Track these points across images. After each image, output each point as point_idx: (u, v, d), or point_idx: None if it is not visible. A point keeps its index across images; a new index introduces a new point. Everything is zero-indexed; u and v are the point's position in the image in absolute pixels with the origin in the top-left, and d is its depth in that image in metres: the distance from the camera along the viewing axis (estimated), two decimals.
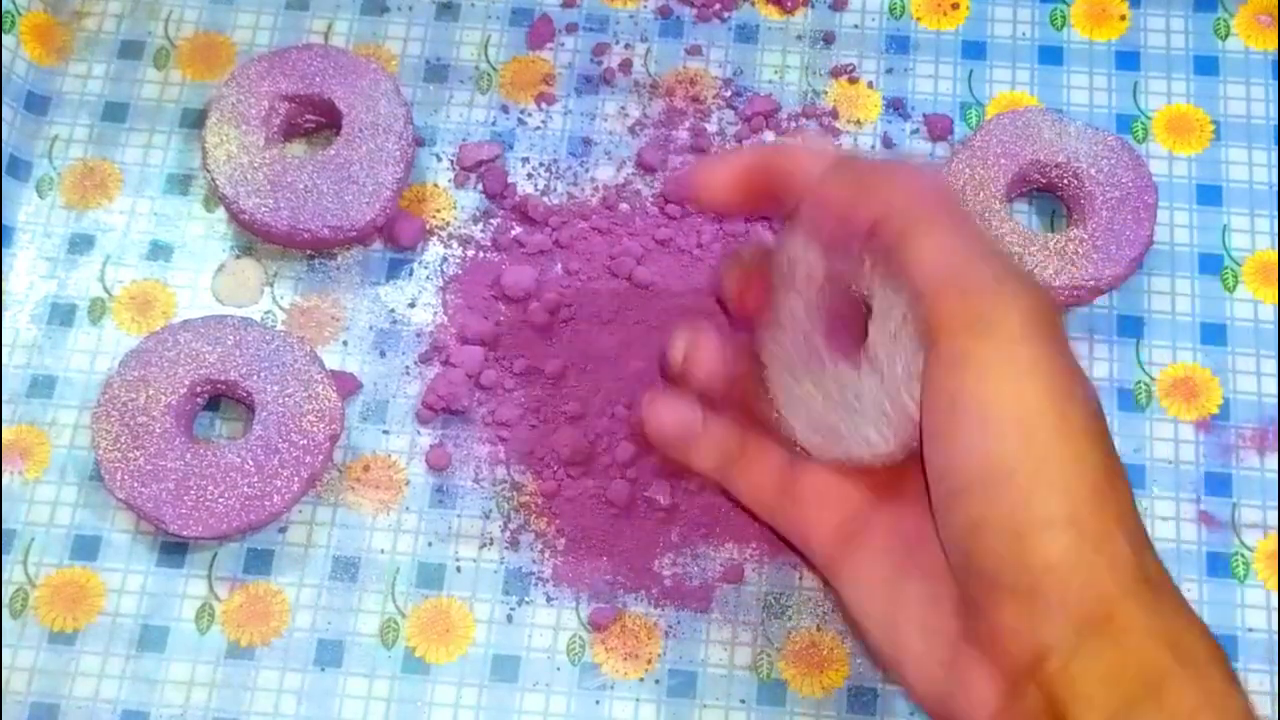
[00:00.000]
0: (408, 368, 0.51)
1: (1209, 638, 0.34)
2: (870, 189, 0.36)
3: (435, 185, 0.54)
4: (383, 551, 0.48)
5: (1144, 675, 0.33)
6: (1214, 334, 0.51)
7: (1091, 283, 0.50)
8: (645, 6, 0.57)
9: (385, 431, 0.50)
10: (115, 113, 0.55)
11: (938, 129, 0.54)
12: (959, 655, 0.36)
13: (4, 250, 0.53)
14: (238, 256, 0.53)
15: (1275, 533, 0.49)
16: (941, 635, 0.36)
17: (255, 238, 0.53)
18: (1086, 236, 0.50)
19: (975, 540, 0.34)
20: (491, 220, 0.53)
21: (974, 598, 0.35)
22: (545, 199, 0.53)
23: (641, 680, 0.47)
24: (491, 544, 0.49)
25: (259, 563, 0.48)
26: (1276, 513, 0.49)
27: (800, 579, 0.48)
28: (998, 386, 0.33)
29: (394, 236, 0.52)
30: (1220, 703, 0.33)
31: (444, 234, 0.53)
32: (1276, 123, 0.55)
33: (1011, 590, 0.34)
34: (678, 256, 0.52)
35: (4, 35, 0.54)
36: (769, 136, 0.54)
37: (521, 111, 0.55)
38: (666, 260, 0.52)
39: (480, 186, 0.54)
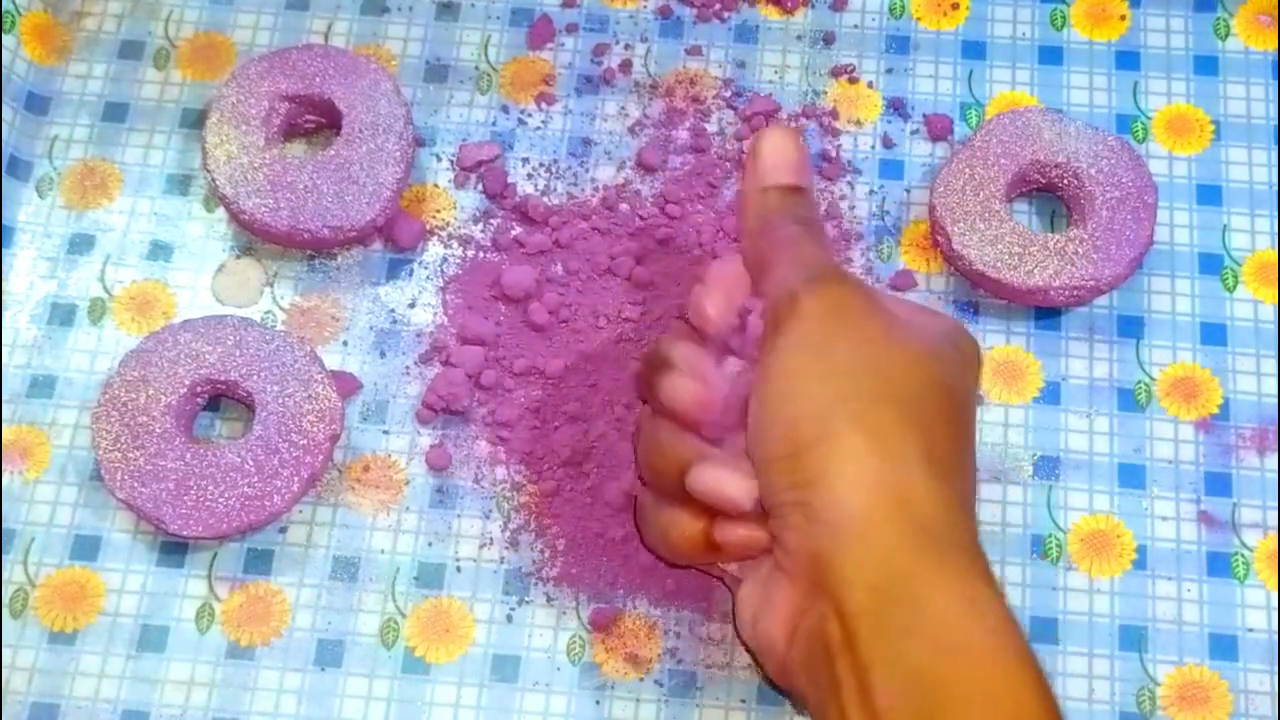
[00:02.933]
0: (408, 368, 0.51)
1: (975, 547, 0.38)
2: (755, 262, 0.43)
3: (435, 185, 0.54)
4: (383, 551, 0.48)
5: (898, 568, 0.37)
6: (1214, 334, 0.51)
7: (1091, 283, 0.50)
8: (645, 6, 0.57)
9: (385, 431, 0.50)
10: (115, 113, 0.55)
11: (938, 129, 0.54)
12: (768, 584, 0.40)
13: (4, 250, 0.53)
14: (238, 256, 0.53)
15: (1275, 533, 0.49)
16: (759, 575, 0.41)
17: (255, 238, 0.53)
18: (1086, 236, 0.50)
19: (767, 469, 0.39)
20: (491, 220, 0.53)
21: (774, 527, 0.39)
22: (545, 199, 0.53)
23: (641, 680, 0.47)
24: (491, 544, 0.49)
25: (259, 563, 0.48)
26: (1276, 513, 0.49)
27: None
28: (788, 356, 0.40)
29: (394, 237, 0.52)
30: (973, 592, 0.37)
31: (444, 234, 0.53)
32: (1276, 123, 0.55)
33: (792, 505, 0.38)
34: (677, 257, 0.52)
35: (4, 35, 0.54)
36: None
37: (521, 111, 0.55)
38: (666, 260, 0.52)
39: (480, 186, 0.54)
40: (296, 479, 0.47)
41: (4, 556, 0.48)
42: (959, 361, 0.41)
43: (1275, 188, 0.54)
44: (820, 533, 0.37)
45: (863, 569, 0.37)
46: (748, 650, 0.45)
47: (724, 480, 0.40)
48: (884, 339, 0.40)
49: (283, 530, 0.49)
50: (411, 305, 0.52)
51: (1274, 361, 0.51)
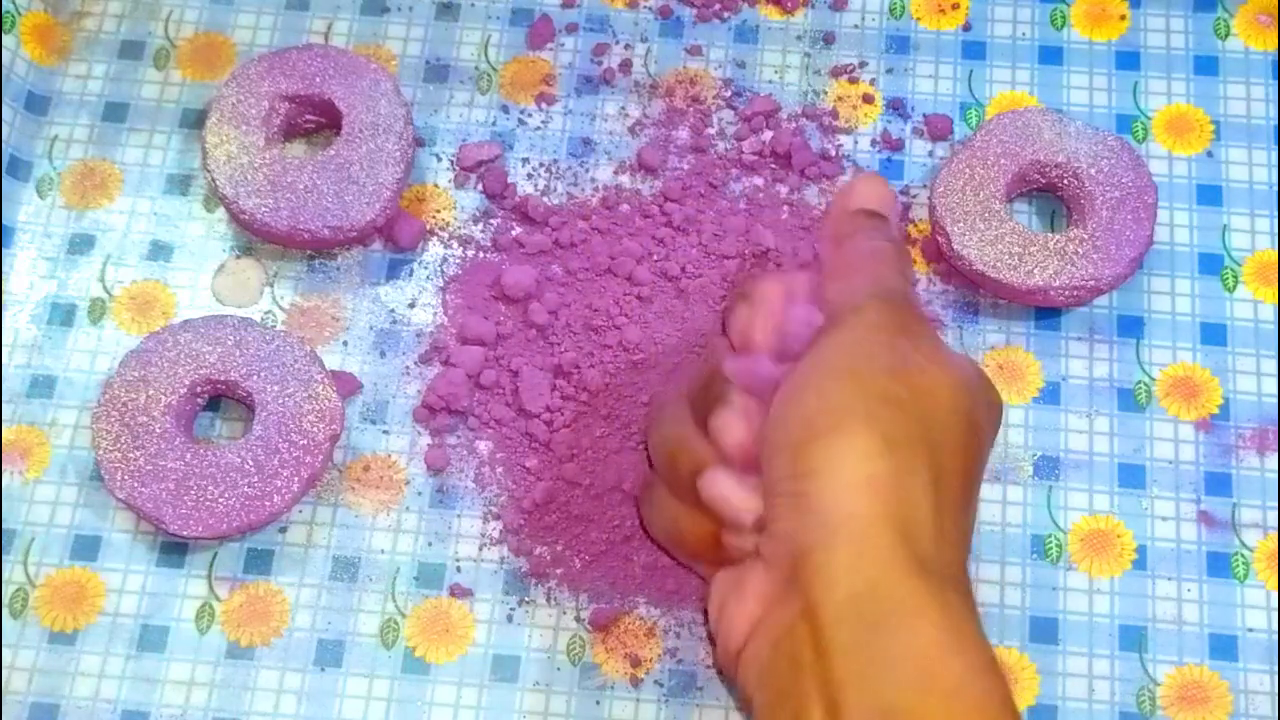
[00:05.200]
0: (408, 368, 0.51)
1: (965, 584, 0.38)
2: (830, 271, 0.43)
3: (435, 185, 0.54)
4: (383, 551, 0.48)
5: (883, 583, 0.35)
6: (1214, 334, 0.51)
7: (1091, 283, 0.50)
8: (645, 6, 0.57)
9: (385, 431, 0.50)
10: (115, 113, 0.55)
11: (938, 129, 0.54)
12: (743, 570, 0.40)
13: (4, 250, 0.53)
14: (238, 256, 0.53)
15: (1275, 533, 0.49)
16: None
17: (255, 238, 0.53)
18: (1086, 236, 0.50)
19: (773, 456, 0.39)
20: (491, 220, 0.53)
21: (765, 516, 0.39)
22: (545, 199, 0.53)
23: (642, 680, 0.47)
24: (491, 544, 0.49)
25: (259, 563, 0.48)
26: (1276, 513, 0.49)
27: None
28: (826, 352, 0.40)
29: (394, 237, 0.52)
30: (959, 627, 0.36)
31: (444, 234, 0.53)
32: (1276, 123, 0.55)
33: (787, 495, 0.37)
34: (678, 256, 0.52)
35: (4, 35, 0.54)
36: (768, 136, 0.54)
37: (521, 111, 0.55)
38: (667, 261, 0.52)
39: (480, 186, 0.54)
40: (296, 479, 0.47)
41: (4, 556, 0.48)
42: (986, 406, 0.41)
43: (1275, 188, 0.54)
44: (809, 525, 0.37)
45: (847, 573, 0.36)
46: (710, 638, 0.45)
47: (732, 493, 0.40)
48: (925, 359, 0.39)
49: (283, 530, 0.49)
50: (411, 305, 0.52)
51: (1274, 361, 0.51)
